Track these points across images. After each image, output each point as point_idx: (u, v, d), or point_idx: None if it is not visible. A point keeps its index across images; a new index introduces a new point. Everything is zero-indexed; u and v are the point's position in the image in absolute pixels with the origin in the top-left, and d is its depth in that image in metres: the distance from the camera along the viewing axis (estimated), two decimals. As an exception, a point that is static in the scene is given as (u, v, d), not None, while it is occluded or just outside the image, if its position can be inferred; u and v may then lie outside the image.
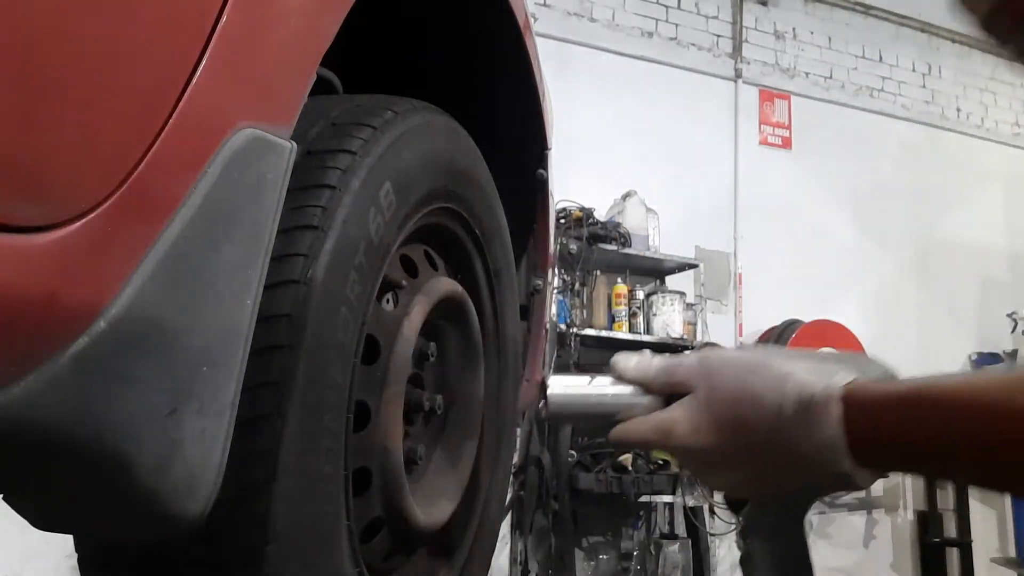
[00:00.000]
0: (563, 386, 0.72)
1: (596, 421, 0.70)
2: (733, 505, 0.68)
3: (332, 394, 0.81)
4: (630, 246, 4.43)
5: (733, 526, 4.50)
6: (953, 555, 5.10)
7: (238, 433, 0.66)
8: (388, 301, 1.03)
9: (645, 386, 0.66)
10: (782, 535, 0.63)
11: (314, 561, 0.80)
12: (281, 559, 0.74)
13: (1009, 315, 5.51)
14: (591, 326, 4.31)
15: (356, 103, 0.97)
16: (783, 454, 0.57)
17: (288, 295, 0.76)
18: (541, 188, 1.54)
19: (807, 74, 5.67)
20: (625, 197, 4.63)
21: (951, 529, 5.11)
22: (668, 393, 0.65)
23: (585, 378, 0.73)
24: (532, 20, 1.40)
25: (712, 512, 4.48)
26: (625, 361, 0.69)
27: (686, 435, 0.61)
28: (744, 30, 5.49)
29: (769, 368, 0.60)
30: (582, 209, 4.29)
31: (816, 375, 0.58)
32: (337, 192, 0.83)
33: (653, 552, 4.17)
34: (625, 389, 0.68)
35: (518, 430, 1.42)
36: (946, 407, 0.54)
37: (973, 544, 5.06)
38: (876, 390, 0.56)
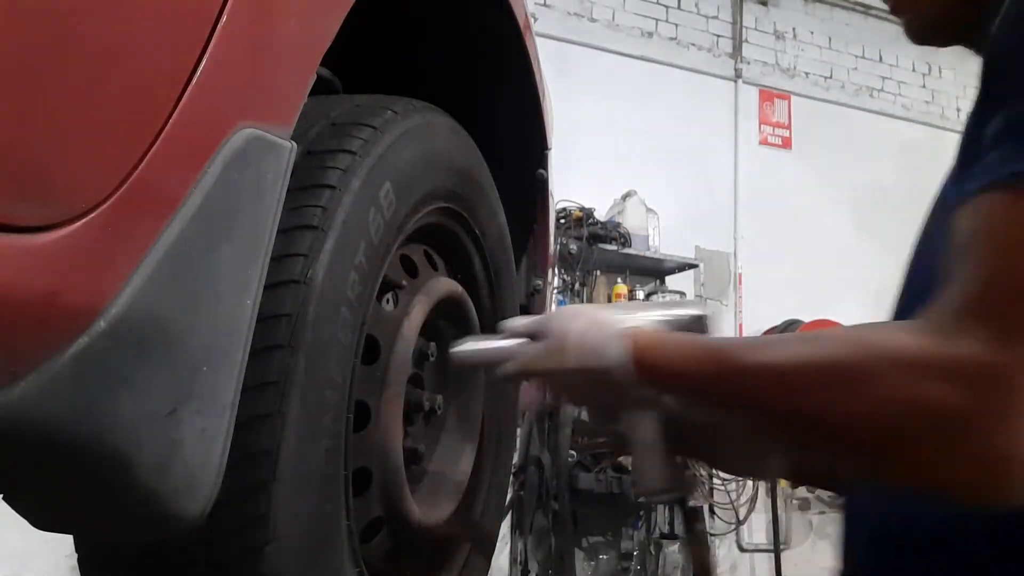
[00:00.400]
0: (468, 344, 0.94)
1: (492, 365, 0.88)
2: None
3: (332, 394, 0.82)
4: (630, 246, 4.43)
5: (733, 526, 4.50)
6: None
7: (238, 433, 0.66)
8: (388, 301, 1.03)
9: (525, 336, 0.86)
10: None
11: (314, 561, 0.80)
12: (281, 559, 0.74)
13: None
14: (591, 326, 4.30)
15: (356, 103, 0.97)
16: (596, 375, 0.79)
17: (288, 295, 0.76)
18: (541, 188, 1.54)
19: (807, 74, 5.67)
20: (625, 197, 4.63)
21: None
22: (536, 337, 0.85)
23: (486, 338, 0.95)
24: (532, 20, 1.40)
25: (712, 512, 4.48)
26: (512, 321, 0.89)
27: (542, 361, 0.84)
28: (744, 30, 5.50)
29: (591, 315, 0.84)
30: (582, 209, 4.29)
31: (618, 319, 0.82)
32: (337, 192, 0.83)
33: (653, 552, 4.17)
34: (513, 342, 0.87)
35: (518, 430, 1.42)
36: (701, 350, 0.74)
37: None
38: (654, 334, 0.80)
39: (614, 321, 0.82)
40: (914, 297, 0.70)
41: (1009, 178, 0.58)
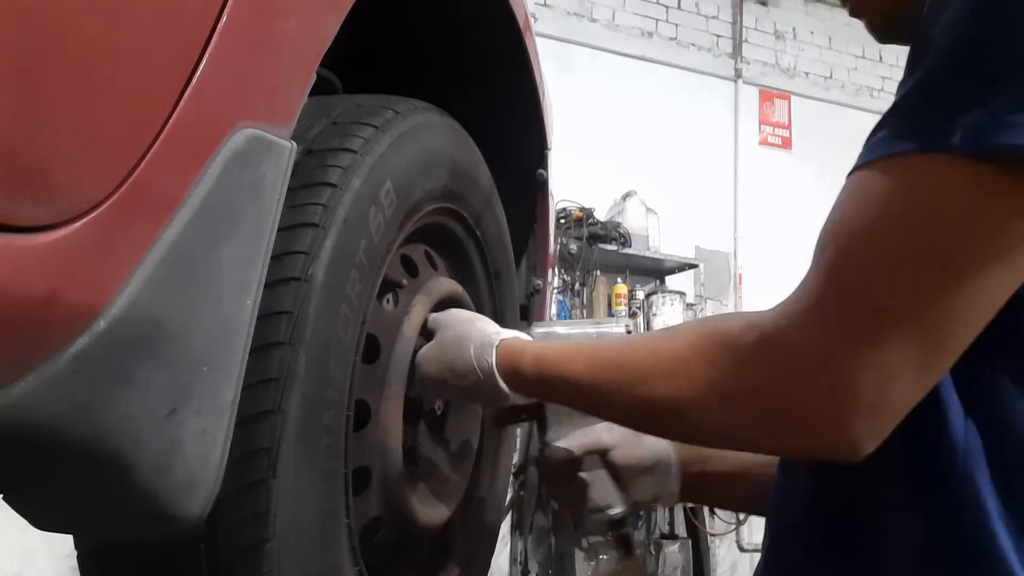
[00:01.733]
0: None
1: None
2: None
3: (332, 392, 0.82)
4: (630, 246, 4.43)
5: (733, 526, 4.50)
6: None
7: (238, 430, 0.66)
8: (388, 301, 1.03)
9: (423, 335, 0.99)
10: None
11: (313, 559, 0.80)
12: (280, 557, 0.74)
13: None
14: (591, 326, 4.30)
15: (357, 103, 0.97)
16: (470, 378, 0.90)
17: (289, 292, 0.77)
18: (541, 188, 1.54)
19: (807, 74, 5.67)
20: (625, 197, 4.63)
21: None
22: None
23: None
24: (532, 20, 1.40)
25: (712, 512, 4.48)
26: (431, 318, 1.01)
27: (426, 363, 0.96)
28: (744, 30, 5.50)
29: (473, 324, 0.94)
30: (582, 209, 4.29)
31: (490, 330, 0.92)
32: (338, 190, 0.83)
33: (653, 552, 4.17)
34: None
35: (518, 430, 1.42)
36: (547, 356, 0.84)
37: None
38: (520, 343, 0.90)
39: (482, 331, 0.92)
40: None
41: (870, 159, 0.61)
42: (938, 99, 0.59)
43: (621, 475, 0.99)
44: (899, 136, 0.59)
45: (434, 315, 1.00)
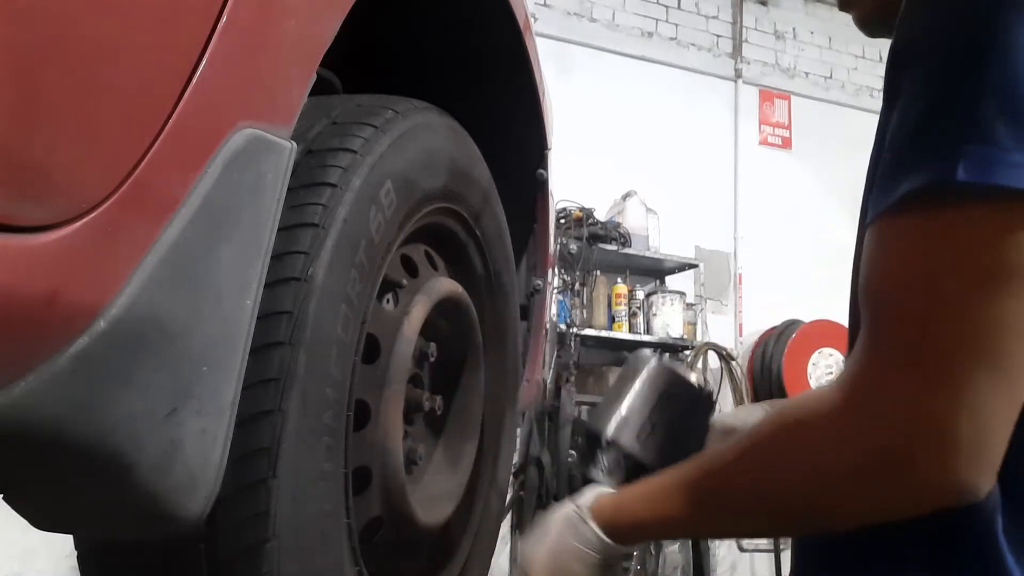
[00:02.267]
0: None
1: None
2: None
3: (332, 392, 0.82)
4: (630, 246, 4.43)
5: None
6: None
7: (238, 430, 0.66)
8: (388, 301, 1.03)
9: None
10: None
11: (313, 559, 0.80)
12: (280, 557, 0.74)
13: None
14: (591, 326, 4.31)
15: (357, 103, 0.97)
16: (586, 567, 0.86)
17: (289, 292, 0.77)
18: (541, 188, 1.54)
19: (807, 74, 5.67)
20: (625, 197, 4.63)
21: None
22: None
23: None
24: (532, 20, 1.40)
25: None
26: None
27: None
28: (744, 30, 5.49)
29: (550, 528, 0.89)
30: (582, 209, 4.29)
31: (570, 509, 0.88)
32: (338, 190, 0.83)
33: (653, 552, 4.17)
34: None
35: (518, 430, 1.42)
36: (642, 503, 0.83)
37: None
38: (608, 500, 0.87)
39: (564, 519, 0.88)
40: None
41: (902, 201, 0.61)
42: (941, 136, 0.60)
43: None
44: (920, 175, 0.60)
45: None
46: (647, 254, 4.54)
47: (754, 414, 0.97)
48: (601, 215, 4.49)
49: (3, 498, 0.64)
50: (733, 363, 4.70)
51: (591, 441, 1.01)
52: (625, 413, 0.99)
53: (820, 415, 0.67)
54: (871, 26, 0.85)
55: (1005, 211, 0.58)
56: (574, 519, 0.87)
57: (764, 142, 5.46)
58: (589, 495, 0.90)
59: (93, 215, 0.52)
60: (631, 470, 0.96)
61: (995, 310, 0.59)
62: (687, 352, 4.48)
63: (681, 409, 1.00)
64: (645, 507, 0.82)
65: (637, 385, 1.01)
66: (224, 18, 0.61)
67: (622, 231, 4.42)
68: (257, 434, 0.73)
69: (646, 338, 4.37)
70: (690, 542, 4.14)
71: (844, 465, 0.65)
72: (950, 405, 0.60)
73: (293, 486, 0.75)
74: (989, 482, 0.62)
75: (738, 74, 5.41)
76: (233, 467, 0.67)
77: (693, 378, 1.03)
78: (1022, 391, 0.62)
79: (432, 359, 1.12)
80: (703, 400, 1.02)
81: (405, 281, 1.04)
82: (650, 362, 1.02)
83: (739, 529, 0.82)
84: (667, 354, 4.51)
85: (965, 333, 0.60)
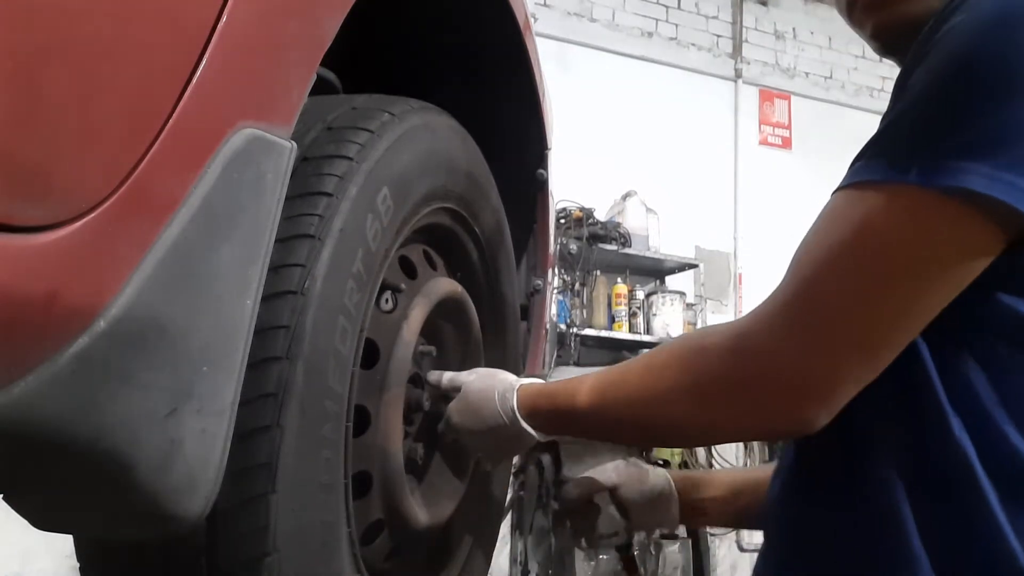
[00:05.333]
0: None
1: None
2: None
3: (331, 404, 0.81)
4: (630, 246, 4.43)
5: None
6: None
7: (237, 445, 0.66)
8: (387, 301, 1.03)
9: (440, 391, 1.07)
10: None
11: (315, 570, 0.80)
12: (281, 569, 0.74)
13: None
14: (591, 326, 4.31)
15: (353, 105, 0.96)
16: (495, 426, 0.98)
17: (286, 306, 0.76)
18: (541, 188, 1.54)
19: (807, 74, 5.67)
20: (625, 197, 4.63)
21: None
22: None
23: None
24: (532, 20, 1.40)
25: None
26: (433, 375, 1.09)
27: (455, 417, 1.03)
28: (744, 30, 5.49)
29: (494, 377, 1.02)
30: (582, 209, 4.29)
31: (510, 379, 1.01)
32: (334, 200, 0.82)
33: (653, 552, 4.17)
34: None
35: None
36: (560, 392, 0.94)
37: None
38: (537, 384, 0.99)
39: (504, 379, 1.00)
40: None
41: (843, 186, 0.72)
42: (906, 138, 0.69)
43: (627, 508, 1.12)
44: (870, 167, 0.70)
45: (455, 374, 1.06)
46: (647, 254, 4.54)
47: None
48: (601, 215, 4.49)
49: (3, 498, 0.64)
50: (733, 363, 4.70)
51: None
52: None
53: (714, 341, 0.79)
54: (886, 50, 0.90)
55: (935, 207, 0.65)
56: (506, 385, 0.99)
57: (764, 142, 5.46)
58: (528, 379, 1.02)
59: (93, 215, 0.52)
60: None
61: (894, 299, 0.68)
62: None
63: None
64: (561, 396, 0.93)
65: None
66: (224, 18, 0.61)
67: (622, 231, 4.41)
68: (256, 449, 0.72)
69: (646, 338, 4.37)
70: (690, 543, 4.14)
71: (712, 383, 0.77)
72: (813, 358, 0.71)
73: (293, 500, 0.75)
74: (822, 424, 0.73)
75: (738, 74, 5.41)
76: (233, 482, 0.67)
77: None
78: (881, 366, 0.71)
79: (432, 358, 1.12)
80: None
81: (403, 285, 1.04)
82: None
83: (624, 426, 0.90)
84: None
85: (858, 314, 0.69)
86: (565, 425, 0.97)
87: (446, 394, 1.06)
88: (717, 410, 0.79)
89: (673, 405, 0.81)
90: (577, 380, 0.93)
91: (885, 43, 0.88)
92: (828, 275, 0.71)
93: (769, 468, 0.95)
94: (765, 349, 0.74)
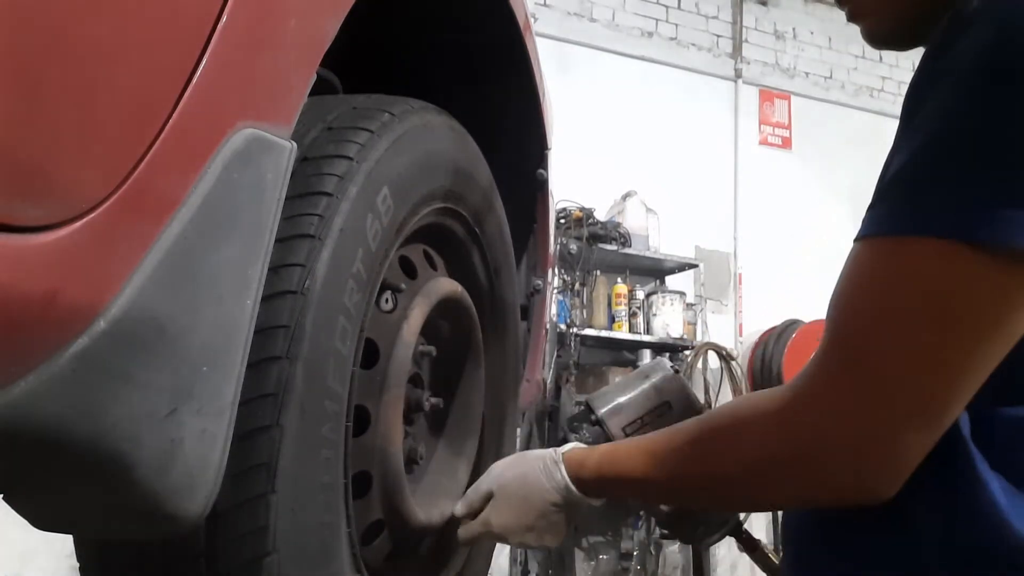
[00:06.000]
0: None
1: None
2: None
3: (331, 404, 0.81)
4: (630, 246, 4.43)
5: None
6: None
7: (237, 445, 0.66)
8: (388, 301, 1.03)
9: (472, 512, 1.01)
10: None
11: (314, 570, 0.80)
12: (281, 569, 0.74)
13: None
14: (591, 326, 4.31)
15: (353, 105, 0.96)
16: (548, 505, 0.95)
17: (285, 306, 0.76)
18: (541, 188, 1.54)
19: (807, 74, 5.67)
20: (625, 197, 4.63)
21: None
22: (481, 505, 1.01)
23: None
24: (532, 20, 1.40)
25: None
26: (458, 509, 1.03)
27: (496, 519, 0.98)
28: (744, 30, 5.49)
29: (526, 459, 0.98)
30: (582, 209, 4.29)
31: (545, 453, 0.97)
32: (334, 200, 0.82)
33: (653, 552, 4.17)
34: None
35: (518, 430, 1.42)
36: (606, 459, 0.91)
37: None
38: (582, 452, 0.95)
39: (540, 456, 0.97)
40: None
41: (878, 234, 0.67)
42: (933, 181, 0.64)
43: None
44: (898, 216, 0.65)
45: (474, 486, 1.02)
46: (647, 254, 4.54)
47: None
48: (601, 215, 4.49)
49: (3, 498, 0.64)
50: (733, 363, 4.70)
51: (585, 412, 1.09)
52: (623, 402, 1.06)
53: (763, 412, 0.74)
54: (880, 40, 0.85)
55: (978, 263, 0.61)
56: (548, 459, 0.95)
57: (764, 142, 5.46)
58: (568, 445, 0.98)
59: (93, 215, 0.52)
60: None
61: (944, 358, 0.64)
62: (687, 352, 4.49)
63: (675, 421, 1.05)
64: (608, 466, 0.90)
65: (646, 384, 1.07)
66: (224, 18, 0.61)
67: (622, 231, 4.42)
68: (256, 449, 0.73)
69: (646, 338, 4.38)
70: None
71: (766, 457, 0.73)
72: (875, 427, 0.67)
73: (292, 500, 0.75)
74: (891, 492, 0.69)
75: (738, 74, 5.41)
76: (232, 482, 0.67)
77: (701, 400, 1.10)
78: (945, 425, 0.67)
79: (432, 358, 1.12)
80: None
81: (404, 285, 1.04)
82: (667, 370, 1.09)
83: (681, 499, 0.90)
84: (667, 354, 4.51)
85: (911, 373, 0.65)
86: (613, 492, 0.94)
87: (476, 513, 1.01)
88: (777, 487, 0.75)
89: (731, 485, 0.78)
90: (622, 449, 0.90)
91: (874, 33, 0.84)
92: (875, 339, 0.66)
93: None
94: (820, 422, 0.69)
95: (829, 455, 0.70)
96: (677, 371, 1.09)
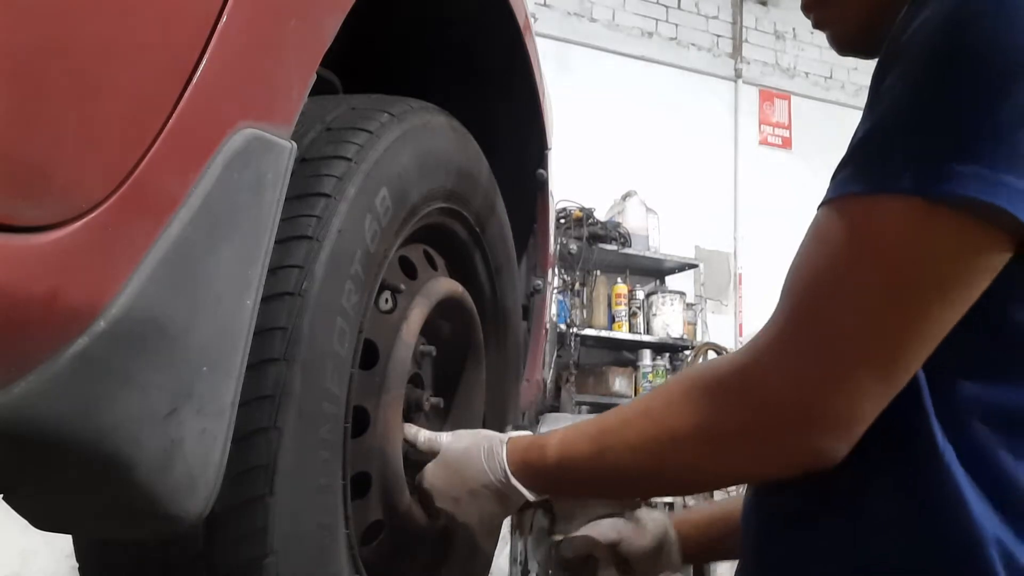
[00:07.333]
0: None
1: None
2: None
3: (329, 405, 0.81)
4: (630, 246, 4.44)
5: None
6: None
7: (235, 447, 0.66)
8: (387, 301, 1.02)
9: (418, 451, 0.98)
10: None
11: (313, 572, 0.80)
12: (279, 571, 0.74)
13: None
14: (591, 326, 4.31)
15: (352, 105, 0.96)
16: (481, 486, 0.90)
17: (283, 307, 0.76)
18: (541, 188, 1.54)
19: (807, 74, 5.67)
20: (625, 197, 4.64)
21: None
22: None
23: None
24: (532, 20, 1.40)
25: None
26: (410, 431, 0.99)
27: (429, 476, 0.95)
28: (744, 30, 5.50)
29: (479, 435, 0.94)
30: (582, 209, 4.30)
31: (496, 435, 0.93)
32: (332, 201, 0.82)
33: (653, 552, 4.16)
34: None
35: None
36: (551, 443, 0.87)
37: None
38: (527, 437, 0.92)
39: (489, 436, 0.93)
40: None
41: (836, 196, 0.68)
42: (894, 143, 0.65)
43: (629, 562, 1.04)
44: (858, 177, 0.66)
45: (435, 434, 0.98)
46: (647, 254, 4.54)
47: None
48: (601, 215, 4.49)
49: (3, 498, 0.64)
50: (733, 363, 4.70)
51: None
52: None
53: (718, 377, 0.74)
54: (845, 47, 0.87)
55: (937, 218, 0.62)
56: (496, 440, 0.91)
57: (764, 142, 5.46)
58: (515, 432, 0.95)
59: (93, 215, 0.52)
60: None
61: (902, 316, 0.64)
62: (687, 352, 4.49)
63: None
64: (554, 448, 0.86)
65: None
66: (224, 18, 0.61)
67: (622, 231, 4.42)
68: (253, 451, 0.72)
69: (646, 338, 4.38)
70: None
71: (725, 425, 0.72)
72: (829, 389, 0.67)
73: (291, 502, 0.75)
74: (843, 453, 0.68)
75: (738, 74, 5.41)
76: (230, 484, 0.67)
77: None
78: (898, 387, 0.67)
79: (432, 358, 1.12)
80: None
81: (403, 285, 1.04)
82: None
83: (627, 478, 0.84)
84: (667, 354, 4.51)
85: (867, 331, 0.65)
86: (557, 479, 0.88)
87: (422, 456, 0.98)
88: (729, 455, 0.74)
89: (681, 453, 0.76)
90: (571, 429, 0.87)
91: (839, 39, 0.86)
92: (828, 297, 0.66)
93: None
94: (771, 384, 0.69)
95: (780, 416, 0.69)
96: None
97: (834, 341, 0.66)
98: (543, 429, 1.02)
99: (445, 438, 0.96)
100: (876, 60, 0.73)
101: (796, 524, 0.75)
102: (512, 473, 0.88)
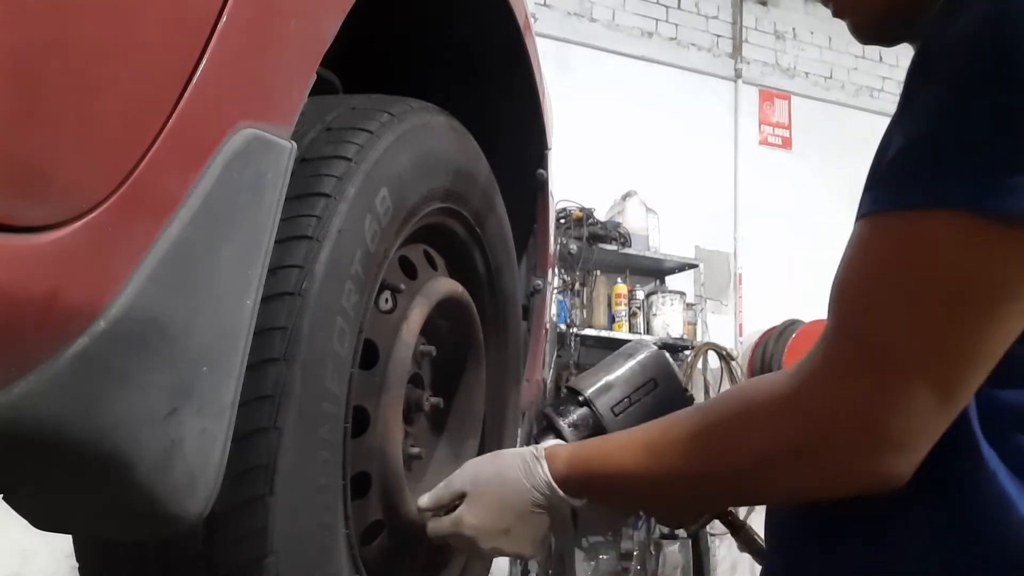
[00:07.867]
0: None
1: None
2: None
3: (329, 405, 0.81)
4: (630, 246, 4.43)
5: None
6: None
7: (235, 447, 0.66)
8: (387, 301, 1.02)
9: (440, 508, 0.93)
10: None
11: (312, 571, 0.80)
12: (279, 571, 0.74)
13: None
14: (591, 326, 4.31)
15: (352, 105, 0.96)
16: (528, 507, 0.87)
17: (283, 307, 0.76)
18: (541, 188, 1.54)
19: (807, 74, 5.67)
20: (625, 197, 4.63)
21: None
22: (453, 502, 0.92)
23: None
24: (532, 20, 1.40)
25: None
26: (423, 501, 0.94)
27: (470, 520, 0.89)
28: (744, 30, 5.50)
29: (502, 457, 0.92)
30: (582, 209, 4.29)
31: (525, 451, 0.90)
32: (332, 200, 0.82)
33: (653, 552, 4.17)
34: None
35: (519, 430, 1.42)
36: (596, 454, 0.86)
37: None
38: (564, 448, 0.89)
39: (517, 454, 0.90)
40: None
41: (882, 209, 0.66)
42: (941, 156, 0.63)
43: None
44: (904, 190, 0.64)
45: (440, 485, 0.93)
46: (647, 254, 4.54)
47: None
48: (601, 215, 4.49)
49: (3, 498, 0.64)
50: (733, 363, 4.70)
51: (570, 394, 1.04)
52: (610, 380, 1.03)
53: (769, 397, 0.72)
54: (867, 34, 0.85)
55: (992, 232, 0.60)
56: (528, 456, 0.88)
57: (764, 142, 5.46)
58: (550, 441, 0.93)
59: (93, 215, 0.52)
60: (594, 433, 0.98)
61: (959, 331, 0.63)
62: (687, 352, 4.49)
63: (661, 399, 1.02)
64: (598, 461, 0.85)
65: (632, 363, 1.04)
66: (224, 18, 0.61)
67: (622, 231, 4.42)
68: (254, 451, 0.72)
69: (646, 338, 4.37)
70: (690, 542, 4.14)
71: (780, 446, 0.70)
72: (886, 410, 0.65)
73: (291, 502, 0.75)
74: (908, 475, 0.66)
75: (738, 74, 5.41)
76: (230, 484, 0.67)
77: (682, 379, 1.06)
78: (960, 405, 0.65)
79: (432, 358, 1.12)
80: (684, 401, 1.03)
81: (403, 285, 1.03)
82: (651, 348, 1.06)
83: (680, 495, 0.84)
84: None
85: (924, 348, 0.63)
86: (601, 490, 0.87)
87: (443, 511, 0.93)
88: (792, 480, 0.72)
89: (741, 481, 0.75)
90: (611, 441, 0.86)
91: (859, 28, 0.85)
92: (885, 318, 0.65)
93: None
94: (826, 407, 0.67)
95: (845, 439, 0.67)
96: (661, 348, 1.07)
97: (886, 357, 0.64)
98: (588, 390, 1.01)
99: (457, 482, 0.92)
100: (886, 51, 0.71)
101: (838, 542, 0.74)
102: (558, 484, 0.86)
